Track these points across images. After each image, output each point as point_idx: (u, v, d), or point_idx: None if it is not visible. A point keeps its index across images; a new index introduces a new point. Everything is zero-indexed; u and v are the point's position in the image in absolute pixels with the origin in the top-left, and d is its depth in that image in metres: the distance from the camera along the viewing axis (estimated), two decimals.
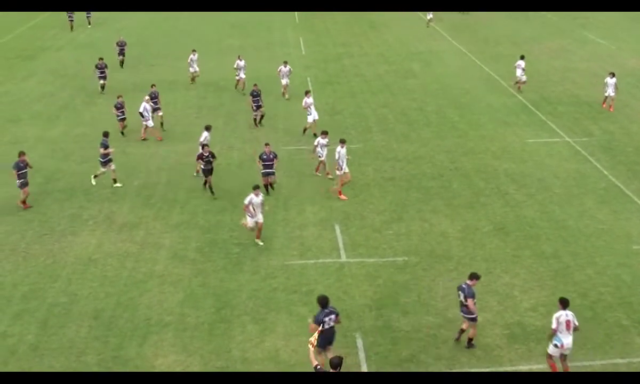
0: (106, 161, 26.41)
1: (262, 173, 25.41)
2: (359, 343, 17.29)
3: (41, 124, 34.03)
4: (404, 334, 17.63)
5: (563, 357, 15.68)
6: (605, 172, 27.57)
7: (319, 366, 13.23)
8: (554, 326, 15.44)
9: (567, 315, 15.45)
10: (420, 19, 62.57)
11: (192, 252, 21.77)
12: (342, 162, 25.10)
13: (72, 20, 58.60)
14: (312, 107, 31.40)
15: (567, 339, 15.43)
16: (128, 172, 27.99)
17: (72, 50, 50.46)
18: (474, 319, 16.68)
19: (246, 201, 21.51)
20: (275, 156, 25.55)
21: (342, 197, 25.26)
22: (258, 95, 33.22)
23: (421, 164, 28.62)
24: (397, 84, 40.70)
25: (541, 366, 16.37)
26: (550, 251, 21.64)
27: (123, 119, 32.37)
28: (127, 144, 31.11)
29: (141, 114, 31.11)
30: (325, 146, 26.54)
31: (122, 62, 45.59)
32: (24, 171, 24.47)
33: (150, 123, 31.42)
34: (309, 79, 41.77)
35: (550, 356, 15.82)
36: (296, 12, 65.35)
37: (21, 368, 16.51)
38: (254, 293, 19.47)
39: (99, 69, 39.07)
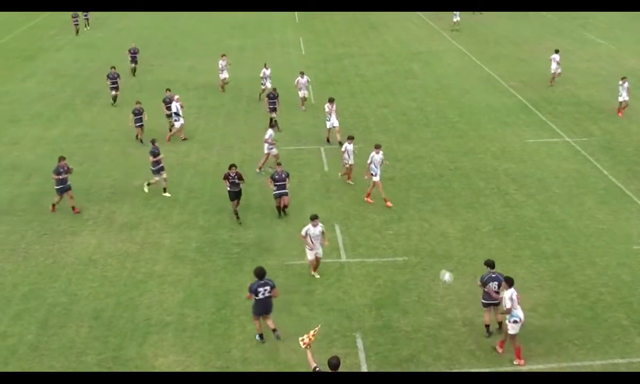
0: (158, 169, 25.46)
1: (275, 194, 23.69)
2: (359, 343, 17.29)
3: (41, 124, 34.03)
4: (404, 334, 17.64)
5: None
6: (605, 172, 27.57)
7: (317, 368, 13.24)
8: (508, 305, 16.08)
9: (515, 291, 16.20)
10: (420, 20, 62.58)
11: (192, 252, 21.77)
12: (377, 168, 24.43)
13: (77, 24, 56.81)
14: (333, 114, 30.28)
15: (521, 313, 16.18)
16: (128, 172, 28.00)
17: (72, 51, 50.47)
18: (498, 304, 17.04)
19: (303, 232, 19.53)
20: (288, 175, 23.66)
21: (369, 200, 24.91)
22: (275, 97, 32.69)
23: (421, 164, 28.63)
24: (397, 84, 40.70)
25: (541, 366, 16.39)
26: (550, 251, 21.64)
27: (141, 126, 31.19)
28: (127, 144, 31.12)
29: (176, 113, 31.09)
30: (353, 151, 25.81)
31: (134, 70, 43.37)
32: (64, 176, 23.92)
33: (182, 122, 31.41)
34: (309, 79, 41.70)
35: (513, 337, 16.26)
36: (296, 12, 65.36)
37: (21, 368, 16.51)
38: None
39: (110, 79, 36.32)
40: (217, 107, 36.60)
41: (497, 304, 16.98)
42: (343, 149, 26.05)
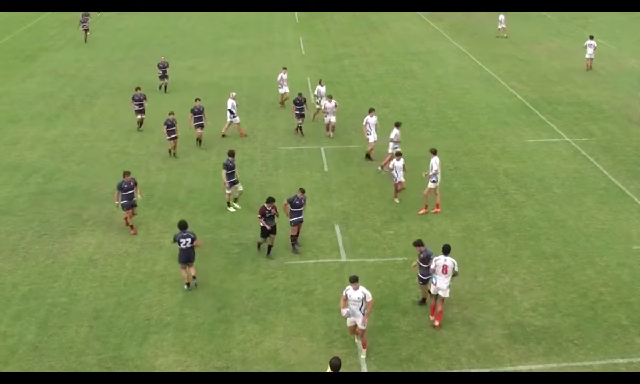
0: (232, 181, 24.28)
1: (292, 221, 21.39)
2: (359, 343, 17.28)
3: (41, 124, 34.02)
4: (404, 334, 17.64)
5: (441, 300, 17.78)
6: (605, 172, 27.58)
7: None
8: (432, 266, 17.75)
9: (445, 260, 17.55)
10: (420, 20, 62.58)
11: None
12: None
13: (86, 30, 52.41)
14: (375, 127, 28.29)
15: (441, 282, 17.59)
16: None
17: (72, 51, 50.45)
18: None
19: (343, 295, 16.72)
20: (305, 201, 21.75)
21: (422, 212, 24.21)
22: (302, 103, 31.38)
23: (421, 164, 28.52)
24: (397, 84, 40.69)
25: (541, 366, 16.40)
26: (550, 251, 21.65)
27: (174, 138, 29.05)
28: (127, 144, 31.12)
29: (230, 111, 31.40)
30: (402, 168, 24.47)
31: (165, 87, 39.19)
32: (128, 192, 22.45)
33: (237, 120, 31.70)
34: (309, 79, 41.74)
35: (429, 293, 18.10)
36: (296, 12, 65.35)
37: (21, 368, 16.51)
38: (254, 293, 19.47)
39: (136, 101, 32.51)
40: (217, 107, 36.56)
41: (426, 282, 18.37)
42: (391, 165, 24.68)
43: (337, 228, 23.11)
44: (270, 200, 20.87)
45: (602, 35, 53.42)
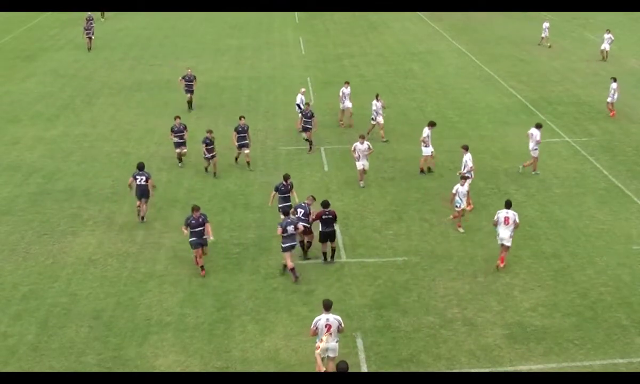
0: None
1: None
2: (359, 343, 17.29)
3: (41, 124, 34.03)
4: (404, 334, 17.64)
5: (505, 248, 20.26)
6: (605, 172, 27.58)
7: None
8: (495, 218, 20.21)
9: (507, 213, 19.92)
10: (420, 20, 62.57)
11: (192, 252, 21.72)
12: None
13: (90, 37, 49.81)
14: (429, 139, 27.61)
15: (503, 232, 20.10)
16: (128, 172, 27.91)
17: (72, 51, 50.44)
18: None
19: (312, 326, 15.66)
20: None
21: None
22: (310, 117, 29.87)
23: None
24: (397, 84, 40.69)
25: (541, 366, 16.40)
26: (550, 251, 21.65)
27: (212, 157, 27.04)
28: (127, 144, 31.12)
29: (298, 106, 31.55)
30: (465, 194, 22.83)
31: (190, 102, 35.79)
32: (197, 229, 20.05)
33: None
34: (309, 79, 41.77)
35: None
36: (296, 12, 65.34)
37: (21, 368, 16.51)
38: (254, 293, 19.47)
39: (175, 132, 28.15)
40: (217, 107, 36.58)
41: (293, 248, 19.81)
42: (454, 190, 22.65)
43: (337, 228, 23.07)
44: (327, 203, 20.74)
45: (602, 35, 53.41)
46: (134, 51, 49.86)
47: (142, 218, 23.45)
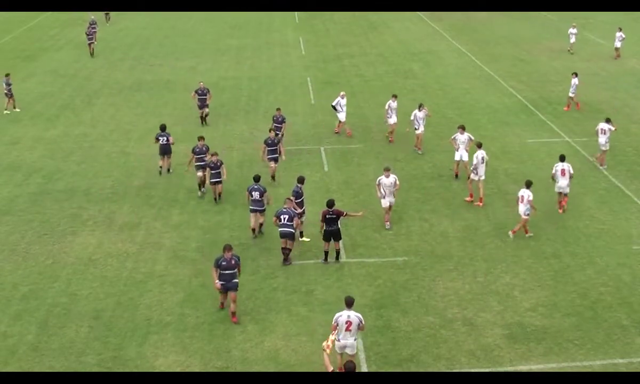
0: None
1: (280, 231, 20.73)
2: (359, 342, 17.27)
3: (41, 124, 34.03)
4: (404, 334, 17.64)
5: (564, 195, 23.35)
6: (605, 173, 27.57)
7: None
8: (552, 171, 23.16)
9: (563, 165, 22.88)
10: (420, 20, 62.59)
11: (192, 252, 21.76)
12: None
13: (92, 42, 48.37)
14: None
15: (562, 181, 23.40)
16: (128, 172, 27.99)
17: (72, 51, 50.45)
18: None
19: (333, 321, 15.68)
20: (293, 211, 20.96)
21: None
22: (281, 121, 29.31)
23: (421, 164, 28.63)
24: (397, 84, 40.66)
25: (541, 366, 16.39)
26: (550, 251, 21.64)
27: (218, 183, 24.78)
28: (127, 144, 31.12)
29: (334, 107, 31.77)
30: (529, 206, 21.99)
31: (204, 117, 33.39)
32: (227, 271, 17.93)
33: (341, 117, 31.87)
34: (309, 79, 41.78)
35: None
36: (296, 12, 65.35)
37: (21, 368, 16.51)
38: (254, 293, 19.47)
39: (197, 153, 25.38)
40: (217, 107, 36.54)
41: (262, 211, 21.74)
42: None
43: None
44: (331, 203, 20.52)
45: (602, 35, 53.46)
46: (134, 51, 49.86)
47: (168, 170, 27.50)
